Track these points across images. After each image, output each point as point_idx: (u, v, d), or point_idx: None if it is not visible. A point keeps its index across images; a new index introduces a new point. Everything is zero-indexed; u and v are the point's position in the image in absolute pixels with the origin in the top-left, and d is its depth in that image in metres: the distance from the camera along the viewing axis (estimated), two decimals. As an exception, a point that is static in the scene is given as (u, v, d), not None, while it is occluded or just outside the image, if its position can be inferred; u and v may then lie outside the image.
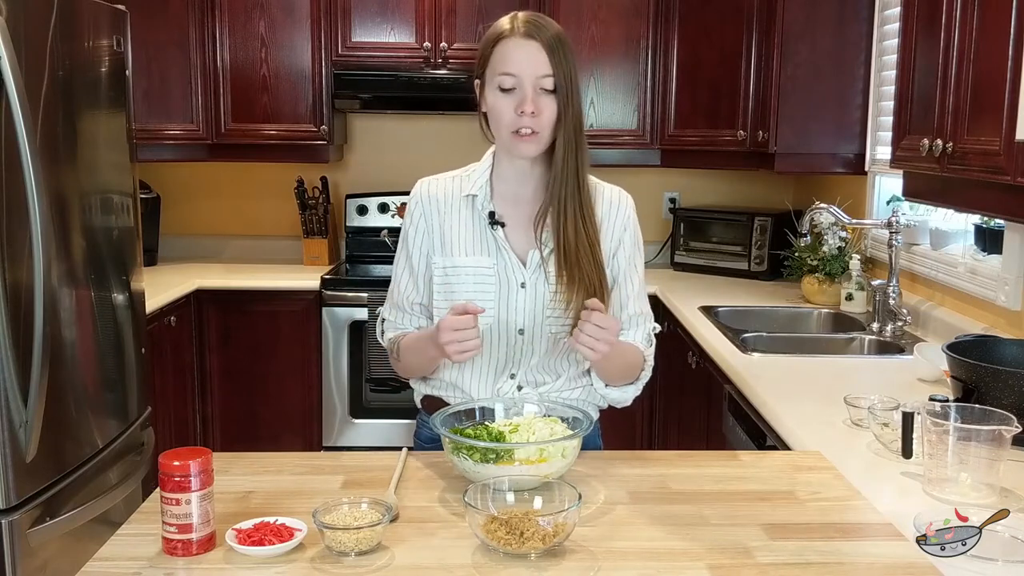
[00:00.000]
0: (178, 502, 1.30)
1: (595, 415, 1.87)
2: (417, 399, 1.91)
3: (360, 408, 3.87)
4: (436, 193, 1.81)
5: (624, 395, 1.82)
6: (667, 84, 3.96)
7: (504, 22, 1.71)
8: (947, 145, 2.04)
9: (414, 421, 1.98)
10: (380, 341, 1.90)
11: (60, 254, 2.32)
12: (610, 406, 1.90)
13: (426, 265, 1.80)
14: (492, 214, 1.77)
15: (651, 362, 1.83)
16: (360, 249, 4.32)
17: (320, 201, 4.18)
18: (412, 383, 1.91)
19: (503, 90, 1.68)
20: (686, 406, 3.27)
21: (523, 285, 1.75)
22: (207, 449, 1.35)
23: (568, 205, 1.71)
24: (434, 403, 1.82)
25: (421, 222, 1.80)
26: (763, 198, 4.31)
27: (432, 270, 1.79)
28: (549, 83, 1.66)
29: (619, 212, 1.81)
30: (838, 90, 3.47)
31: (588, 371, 1.82)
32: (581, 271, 1.70)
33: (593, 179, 1.79)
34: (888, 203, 3.31)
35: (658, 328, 1.87)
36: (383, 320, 1.88)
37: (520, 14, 1.71)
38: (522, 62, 1.66)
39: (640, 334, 1.81)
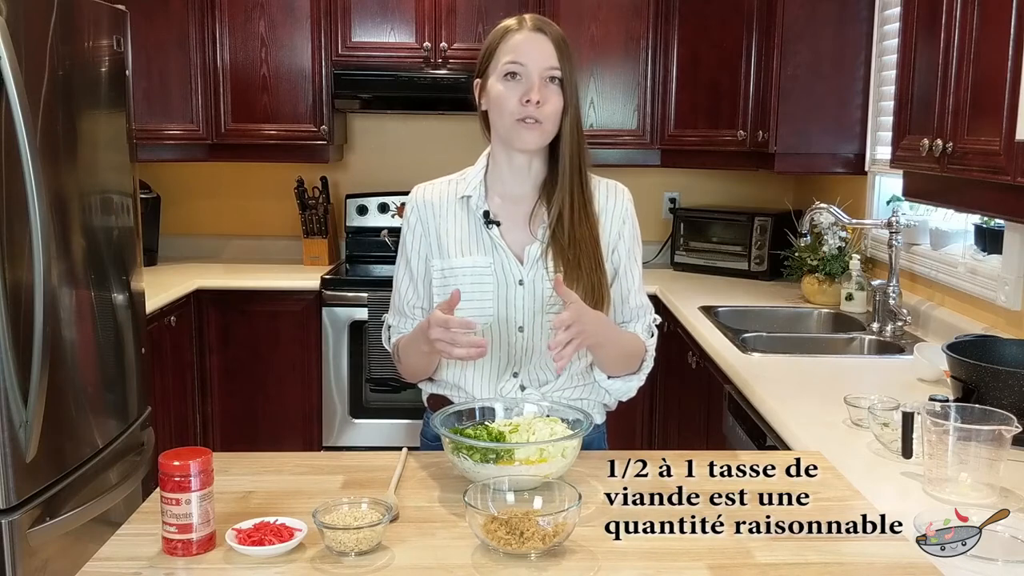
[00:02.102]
0: (178, 502, 1.30)
1: (600, 419, 1.88)
2: (424, 398, 1.92)
3: (360, 408, 3.87)
4: (431, 197, 1.82)
5: (627, 386, 1.82)
6: (667, 84, 3.96)
7: (511, 20, 1.75)
8: (947, 145, 2.03)
9: (413, 421, 1.99)
10: (387, 348, 1.90)
11: (60, 254, 2.32)
12: (615, 407, 1.91)
13: (425, 269, 1.81)
14: (487, 213, 1.78)
15: (652, 353, 1.83)
16: (360, 249, 4.32)
17: (320, 201, 4.18)
18: (419, 382, 1.91)
19: (509, 79, 1.70)
20: (686, 406, 3.27)
21: (521, 282, 1.76)
22: (207, 449, 1.35)
23: (574, 203, 1.73)
24: (440, 402, 1.83)
25: (418, 227, 1.81)
26: (763, 198, 4.31)
27: (431, 273, 1.80)
28: (556, 74, 1.69)
29: (617, 205, 1.82)
30: (838, 90, 3.47)
31: (591, 366, 1.83)
32: (580, 268, 1.71)
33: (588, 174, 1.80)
34: (888, 203, 3.31)
35: (658, 319, 1.88)
36: (389, 327, 1.89)
37: (527, 15, 1.76)
38: (531, 52, 1.69)
39: (641, 326, 1.82)
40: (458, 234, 1.79)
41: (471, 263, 1.77)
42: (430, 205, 1.81)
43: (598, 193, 1.81)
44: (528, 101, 1.67)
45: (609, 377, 1.81)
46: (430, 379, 1.87)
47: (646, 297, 1.86)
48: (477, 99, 1.79)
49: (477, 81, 1.78)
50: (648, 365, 1.83)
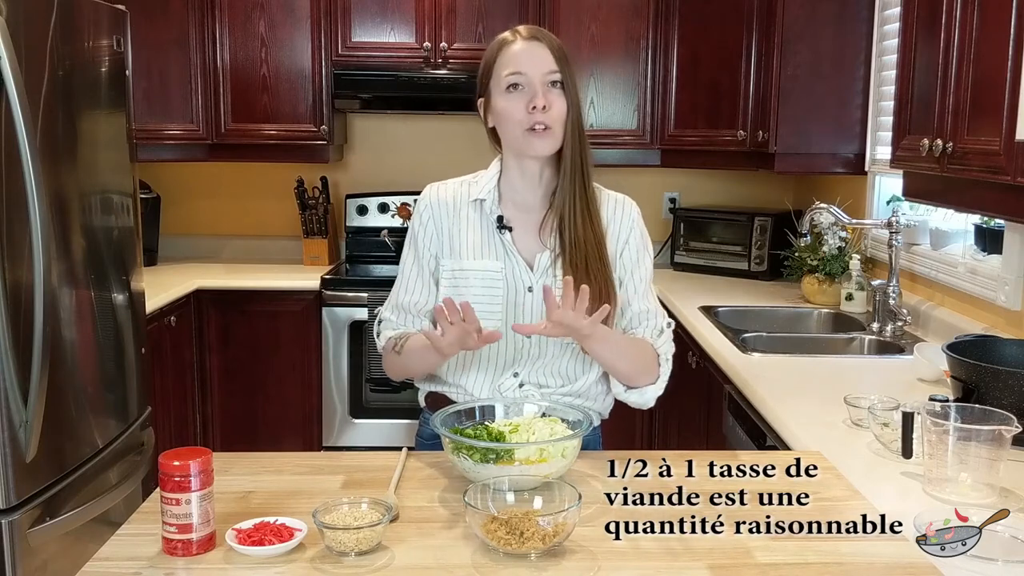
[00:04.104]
0: (178, 502, 1.30)
1: (597, 421, 1.88)
2: (421, 397, 1.92)
3: (360, 408, 3.87)
4: (445, 197, 1.82)
5: (643, 397, 1.79)
6: (667, 84, 3.95)
7: (505, 34, 1.77)
8: (947, 145, 2.03)
9: (414, 421, 1.98)
10: (376, 340, 1.88)
11: (60, 254, 2.32)
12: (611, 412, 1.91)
13: (435, 266, 1.81)
14: (500, 218, 1.78)
15: (667, 357, 1.80)
16: (360, 249, 4.32)
17: (320, 201, 4.18)
18: (416, 381, 1.91)
19: (512, 91, 1.71)
20: (686, 406, 3.26)
21: (530, 289, 1.76)
22: (207, 449, 1.35)
23: (576, 204, 1.74)
24: (438, 400, 1.83)
25: (430, 224, 1.81)
26: (763, 198, 4.31)
27: (440, 272, 1.80)
28: (556, 78, 1.71)
29: (624, 215, 1.83)
30: (838, 90, 3.47)
31: (605, 375, 1.82)
32: (588, 270, 1.71)
33: (596, 185, 1.80)
34: (888, 203, 3.31)
35: (671, 323, 1.85)
36: (380, 321, 1.87)
37: (520, 27, 1.78)
38: (530, 60, 1.71)
39: (647, 331, 1.80)
40: (471, 237, 1.79)
41: (483, 267, 1.77)
42: (444, 205, 1.81)
43: (606, 205, 1.82)
44: (535, 108, 1.68)
45: (626, 389, 1.79)
46: (428, 376, 1.87)
47: (654, 301, 1.84)
48: (483, 117, 1.80)
49: (480, 100, 1.79)
50: (665, 371, 1.79)
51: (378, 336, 1.87)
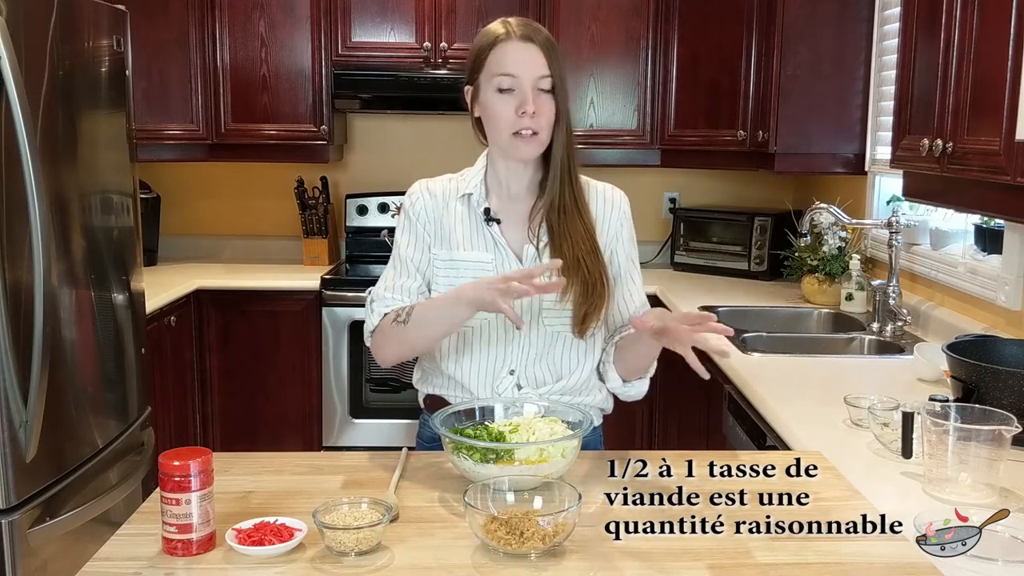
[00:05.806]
0: (178, 502, 1.30)
1: (597, 421, 1.88)
2: (420, 399, 1.92)
3: (360, 408, 3.87)
4: (435, 190, 1.84)
5: (640, 390, 1.84)
6: (667, 84, 3.95)
7: (497, 27, 1.77)
8: (947, 145, 2.04)
9: (414, 421, 1.98)
10: (368, 318, 1.82)
11: (60, 254, 2.32)
12: (611, 410, 1.91)
13: (428, 250, 1.81)
14: (487, 211, 1.79)
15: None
16: (360, 249, 4.32)
17: (320, 201, 4.18)
18: (415, 383, 1.91)
19: (501, 91, 1.71)
20: (686, 406, 3.27)
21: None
22: (207, 449, 1.35)
23: (565, 201, 1.75)
24: (436, 403, 1.83)
25: (423, 214, 1.82)
26: (763, 198, 4.31)
27: (433, 263, 1.80)
28: (547, 83, 1.71)
29: (614, 209, 1.85)
30: (838, 90, 3.47)
31: (603, 373, 1.83)
32: (578, 263, 1.72)
33: (584, 177, 1.82)
34: (888, 203, 3.31)
35: None
36: (373, 300, 1.82)
37: (511, 19, 1.77)
38: (522, 63, 1.70)
39: None
40: (460, 229, 1.80)
41: (474, 257, 1.79)
42: (435, 196, 1.83)
43: (595, 197, 1.83)
44: (524, 113, 1.68)
45: (625, 382, 1.82)
46: (426, 378, 1.87)
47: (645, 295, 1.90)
48: (469, 105, 1.80)
49: (468, 88, 1.79)
50: (652, 364, 1.83)
51: (371, 313, 1.82)
